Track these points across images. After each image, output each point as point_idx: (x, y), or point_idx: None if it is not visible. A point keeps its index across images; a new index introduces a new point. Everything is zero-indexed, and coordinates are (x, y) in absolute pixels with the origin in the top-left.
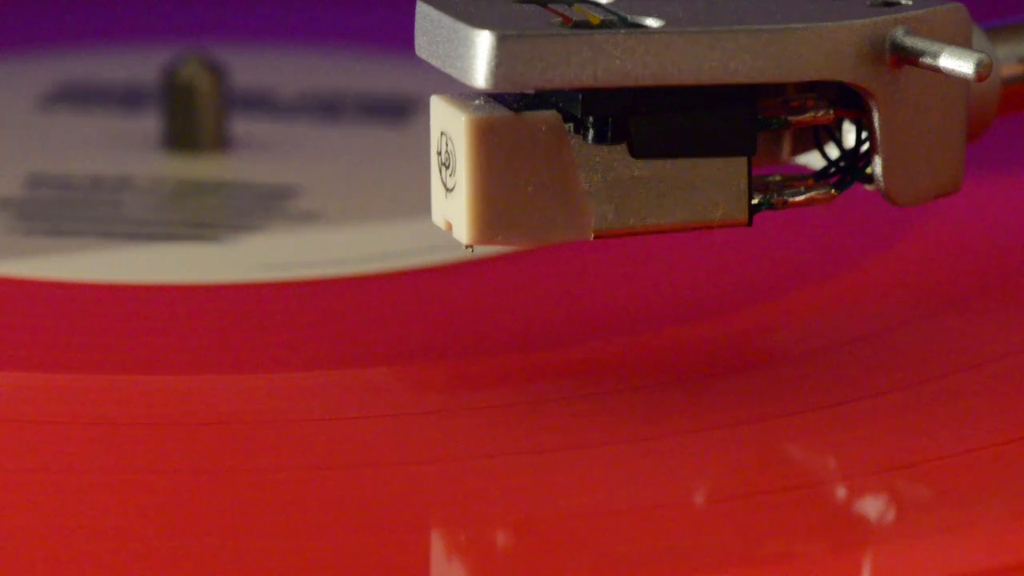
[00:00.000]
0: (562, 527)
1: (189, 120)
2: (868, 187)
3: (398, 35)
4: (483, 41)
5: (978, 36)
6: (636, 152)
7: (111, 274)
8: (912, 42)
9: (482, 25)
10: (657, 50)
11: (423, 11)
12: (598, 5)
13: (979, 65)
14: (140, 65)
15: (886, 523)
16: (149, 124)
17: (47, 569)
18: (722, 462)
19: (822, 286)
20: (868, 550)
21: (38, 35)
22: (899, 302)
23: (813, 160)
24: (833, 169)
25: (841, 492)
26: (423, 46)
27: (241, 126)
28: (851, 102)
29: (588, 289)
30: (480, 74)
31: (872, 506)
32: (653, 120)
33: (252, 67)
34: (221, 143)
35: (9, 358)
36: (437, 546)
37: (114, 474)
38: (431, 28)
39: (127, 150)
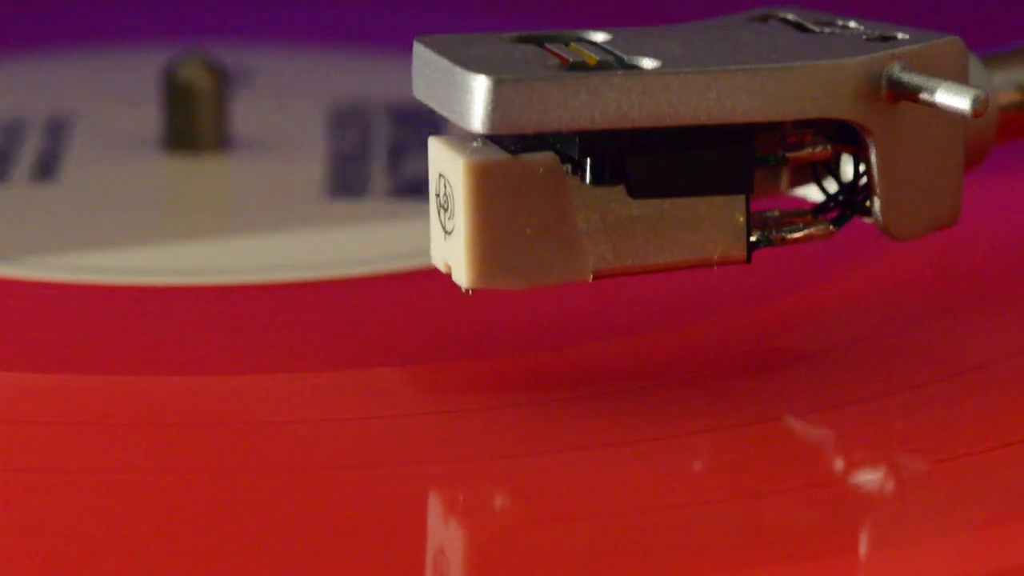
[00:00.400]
0: (562, 527)
1: (189, 120)
2: (866, 220)
3: (398, 35)
4: (480, 86)
5: (975, 65)
6: (634, 193)
7: (111, 274)
8: (908, 78)
9: (479, 69)
10: (654, 91)
11: (420, 53)
12: (594, 44)
13: (975, 101)
14: (140, 65)
15: (886, 524)
16: (149, 124)
17: (47, 569)
18: (721, 463)
19: (821, 287)
20: (868, 551)
21: (38, 35)
22: (898, 303)
23: (812, 191)
24: (832, 204)
25: (841, 493)
26: (420, 87)
27: (241, 126)
28: (849, 137)
29: (588, 290)
30: (477, 119)
31: (872, 507)
32: (650, 161)
33: (252, 67)
34: (221, 143)
35: (9, 358)
36: (437, 546)
37: (114, 474)
38: (428, 71)
39: (127, 150)
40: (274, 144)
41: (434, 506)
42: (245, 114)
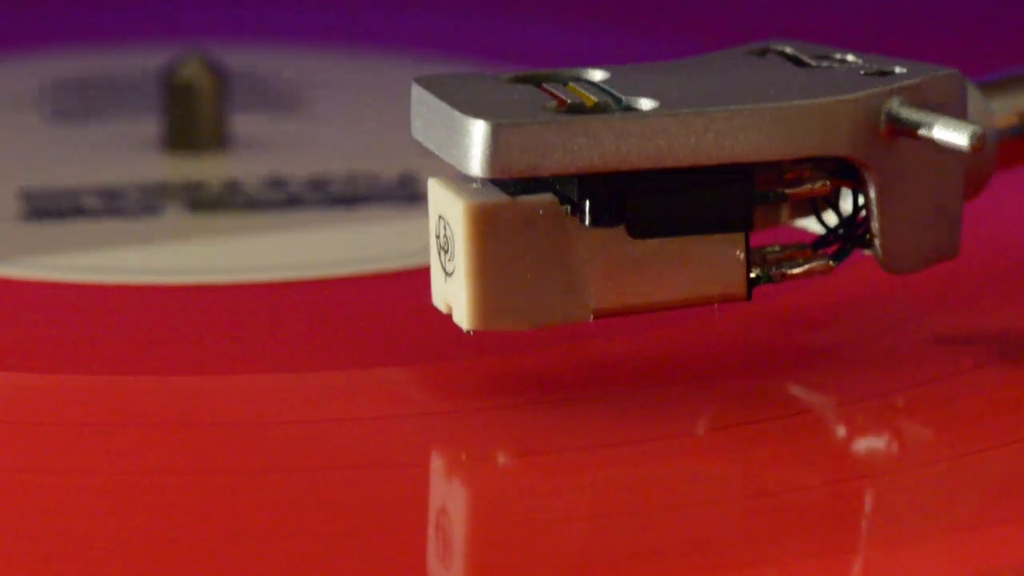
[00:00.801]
0: (562, 527)
1: (189, 120)
2: (866, 252)
3: (398, 35)
4: (479, 130)
5: (974, 96)
6: (634, 233)
7: (111, 274)
8: (907, 114)
9: (478, 114)
10: (652, 133)
11: (418, 94)
12: (592, 84)
13: (973, 137)
14: (140, 65)
15: (886, 524)
16: (149, 124)
17: (47, 569)
18: (722, 462)
19: (822, 287)
20: (869, 550)
21: (39, 35)
22: (898, 303)
23: (812, 223)
24: (831, 237)
25: (841, 492)
26: (419, 128)
27: (241, 126)
28: (848, 172)
29: None
30: (477, 163)
31: (873, 506)
32: (650, 201)
33: (252, 67)
34: (221, 143)
35: (9, 358)
36: (437, 546)
37: (114, 474)
38: (427, 112)
39: (127, 150)
40: (274, 144)
41: (434, 506)
42: (245, 114)
